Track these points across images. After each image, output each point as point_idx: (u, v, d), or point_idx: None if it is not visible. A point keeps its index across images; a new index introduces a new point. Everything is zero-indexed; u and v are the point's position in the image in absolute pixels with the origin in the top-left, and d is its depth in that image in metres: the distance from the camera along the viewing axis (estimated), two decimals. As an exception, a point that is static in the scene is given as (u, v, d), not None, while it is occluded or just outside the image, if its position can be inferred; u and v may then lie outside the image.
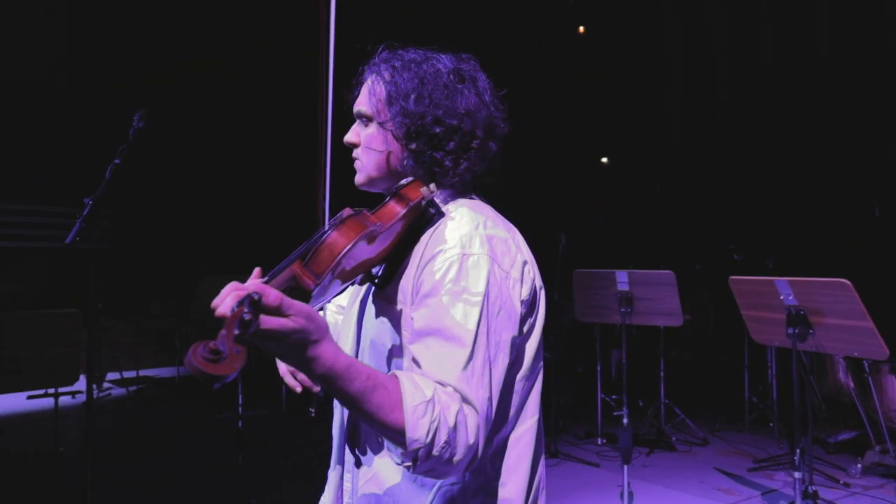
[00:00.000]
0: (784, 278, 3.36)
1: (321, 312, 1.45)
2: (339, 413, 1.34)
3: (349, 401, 1.00)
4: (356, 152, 1.32)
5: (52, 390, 4.76)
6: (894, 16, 6.83)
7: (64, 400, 5.01)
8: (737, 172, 7.85)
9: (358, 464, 1.29)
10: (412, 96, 1.23)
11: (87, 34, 7.32)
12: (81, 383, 4.76)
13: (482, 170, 1.28)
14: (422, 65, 1.26)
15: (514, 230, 1.27)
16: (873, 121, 6.72)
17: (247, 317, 0.85)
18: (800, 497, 3.13)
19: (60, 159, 6.90)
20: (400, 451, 1.03)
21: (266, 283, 1.00)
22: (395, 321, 1.21)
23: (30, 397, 5.68)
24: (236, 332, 0.84)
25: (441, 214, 1.24)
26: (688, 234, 7.86)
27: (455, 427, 1.03)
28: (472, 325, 1.09)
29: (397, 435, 1.01)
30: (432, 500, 1.19)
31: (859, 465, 4.39)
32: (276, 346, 0.94)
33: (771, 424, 5.37)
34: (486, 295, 1.12)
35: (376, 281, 1.27)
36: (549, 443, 4.91)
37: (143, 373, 7.22)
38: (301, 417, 5.58)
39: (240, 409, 4.49)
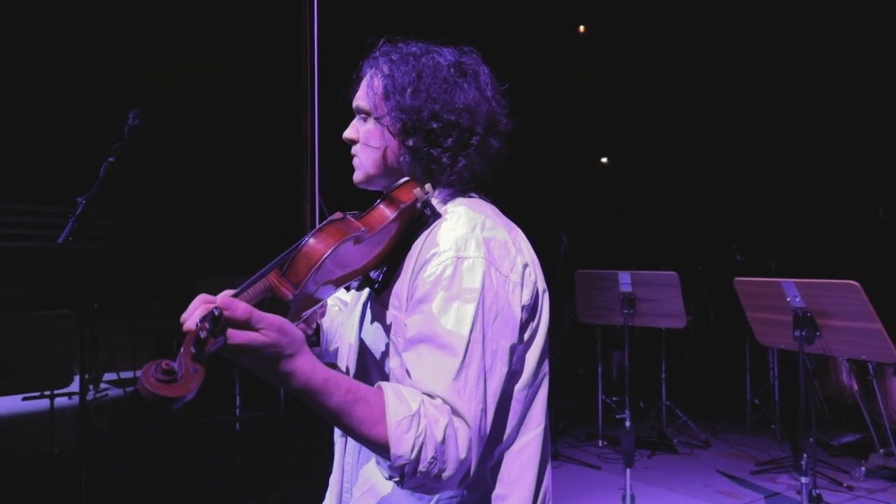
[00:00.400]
0: (791, 280, 3.30)
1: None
2: None
3: (330, 416, 0.96)
4: (355, 149, 1.28)
5: (47, 392, 4.73)
6: (894, 16, 6.80)
7: (60, 401, 4.99)
8: (737, 172, 7.83)
9: (356, 473, 1.25)
10: (409, 90, 1.18)
11: (86, 34, 7.31)
12: (77, 384, 4.74)
13: (483, 167, 1.23)
14: (421, 58, 1.22)
15: (516, 231, 1.22)
16: (873, 121, 6.70)
17: (203, 335, 0.81)
18: (807, 503, 3.10)
19: (60, 159, 6.87)
20: (387, 464, 0.99)
21: (236, 295, 0.93)
22: (391, 328, 1.16)
23: (25, 398, 5.65)
24: (192, 350, 0.80)
25: (437, 216, 1.18)
26: (688, 235, 7.83)
27: (444, 441, 0.98)
28: (465, 332, 1.04)
29: (382, 450, 0.98)
30: None
31: (863, 468, 4.35)
32: (248, 361, 0.90)
33: (773, 426, 5.34)
34: (482, 300, 1.06)
35: (375, 286, 1.22)
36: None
37: (140, 374, 7.18)
38: (299, 419, 5.57)
39: (238, 410, 4.48)
